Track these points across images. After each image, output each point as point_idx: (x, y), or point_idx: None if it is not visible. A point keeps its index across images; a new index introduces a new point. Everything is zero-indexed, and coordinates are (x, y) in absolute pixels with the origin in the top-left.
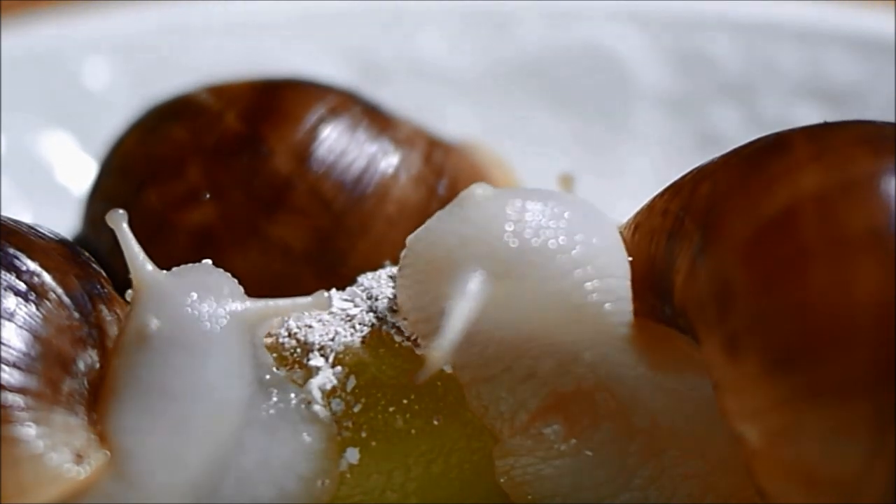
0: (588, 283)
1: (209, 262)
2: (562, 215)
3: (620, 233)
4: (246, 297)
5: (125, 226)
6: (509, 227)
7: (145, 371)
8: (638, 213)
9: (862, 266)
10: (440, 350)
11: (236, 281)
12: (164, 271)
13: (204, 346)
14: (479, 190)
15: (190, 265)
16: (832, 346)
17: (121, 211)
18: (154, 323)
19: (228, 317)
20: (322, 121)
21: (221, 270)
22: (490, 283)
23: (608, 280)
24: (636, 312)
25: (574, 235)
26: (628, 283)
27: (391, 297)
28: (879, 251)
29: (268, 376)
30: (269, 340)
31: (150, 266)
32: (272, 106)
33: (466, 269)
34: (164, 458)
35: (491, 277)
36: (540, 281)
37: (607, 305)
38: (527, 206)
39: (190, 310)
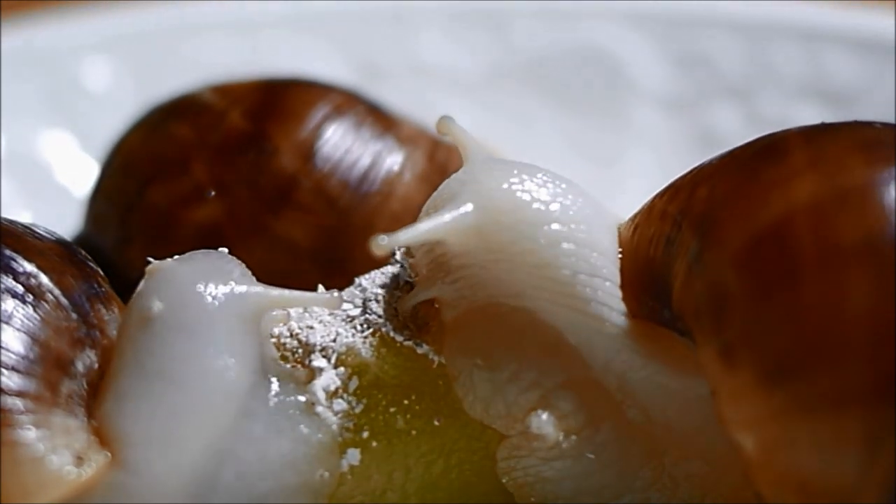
0: (565, 244)
1: (225, 250)
2: (549, 180)
3: (620, 230)
4: (257, 282)
5: None
6: (497, 177)
7: (146, 354)
8: (638, 214)
9: (855, 277)
10: (393, 236)
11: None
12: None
13: (205, 328)
14: (482, 154)
15: (201, 250)
16: (825, 357)
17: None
18: (157, 306)
19: (234, 299)
20: (326, 119)
21: (233, 257)
22: (470, 212)
23: (586, 251)
24: (636, 314)
25: (558, 197)
26: (614, 269)
27: (382, 292)
28: (873, 262)
29: (271, 369)
30: (272, 339)
31: None
32: (276, 104)
33: (457, 202)
34: (164, 444)
35: (474, 209)
36: (516, 223)
37: (582, 276)
38: (517, 166)
39: (194, 291)
